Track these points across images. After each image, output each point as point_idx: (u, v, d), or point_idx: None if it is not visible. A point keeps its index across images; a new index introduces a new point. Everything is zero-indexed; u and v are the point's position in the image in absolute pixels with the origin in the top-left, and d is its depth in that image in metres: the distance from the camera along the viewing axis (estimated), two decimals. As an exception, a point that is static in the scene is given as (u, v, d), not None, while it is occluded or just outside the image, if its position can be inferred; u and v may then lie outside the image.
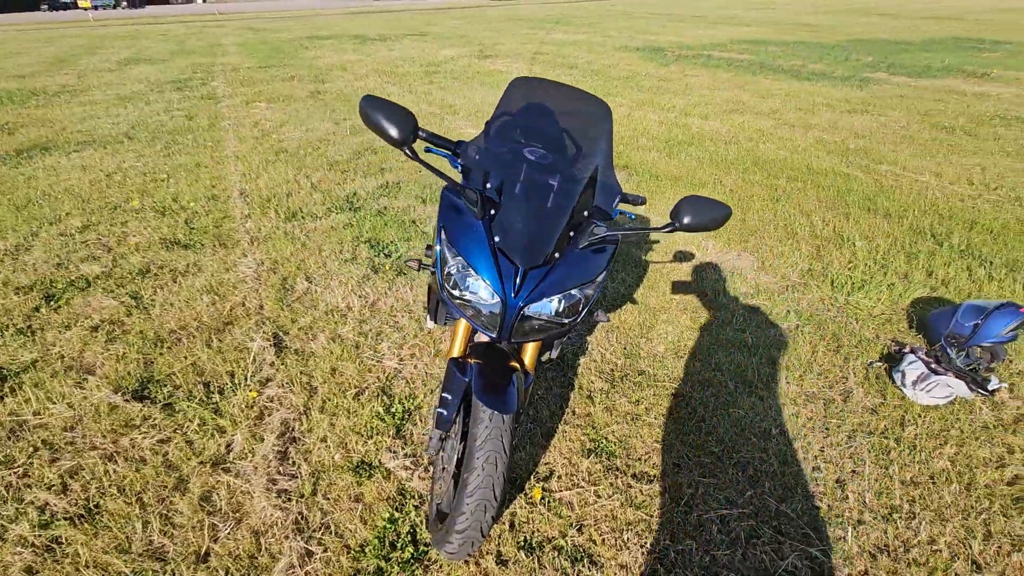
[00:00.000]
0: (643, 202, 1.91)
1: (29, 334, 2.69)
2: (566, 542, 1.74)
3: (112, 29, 19.78)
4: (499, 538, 1.74)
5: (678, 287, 3.17)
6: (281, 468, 2.00)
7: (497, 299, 1.42)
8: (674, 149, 5.51)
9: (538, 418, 2.22)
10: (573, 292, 1.45)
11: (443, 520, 1.65)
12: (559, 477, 1.97)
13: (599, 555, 1.71)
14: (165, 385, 2.38)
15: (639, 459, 2.04)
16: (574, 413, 2.26)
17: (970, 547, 1.74)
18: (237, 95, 8.03)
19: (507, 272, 1.41)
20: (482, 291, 1.43)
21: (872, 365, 2.51)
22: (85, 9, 35.19)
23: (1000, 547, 1.73)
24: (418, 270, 1.83)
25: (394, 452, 2.06)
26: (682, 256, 3.50)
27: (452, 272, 1.46)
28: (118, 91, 8.39)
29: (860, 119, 6.54)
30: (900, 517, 1.83)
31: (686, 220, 1.42)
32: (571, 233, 1.47)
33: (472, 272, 1.43)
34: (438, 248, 1.50)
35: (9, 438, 2.10)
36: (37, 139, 5.90)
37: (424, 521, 1.79)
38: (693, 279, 3.25)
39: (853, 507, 1.87)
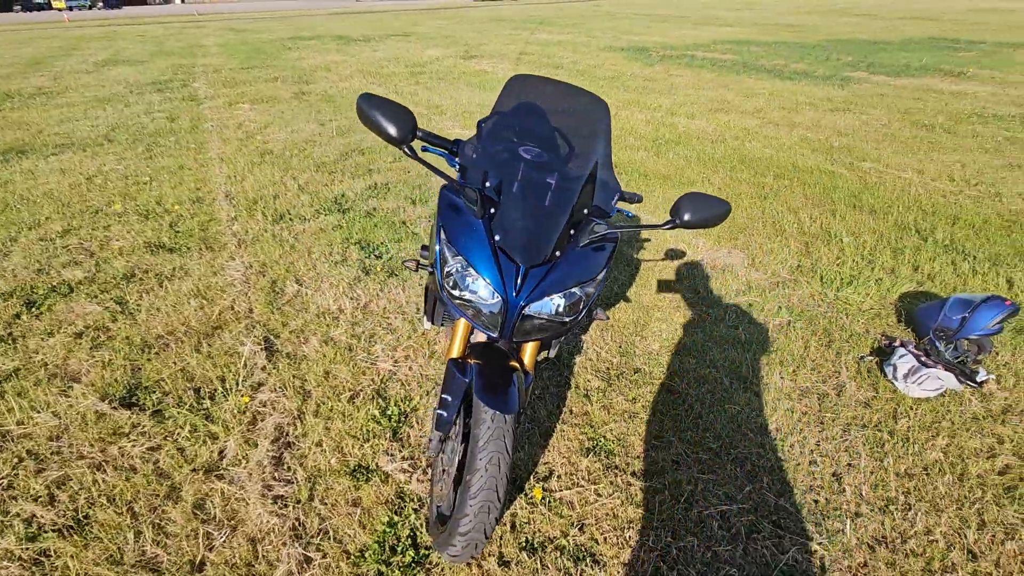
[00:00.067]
0: (639, 200, 1.91)
1: (10, 342, 2.62)
2: (568, 542, 1.73)
3: (88, 30, 19.39)
4: (500, 539, 1.73)
5: (670, 285, 3.18)
6: (276, 474, 1.96)
7: (498, 298, 1.41)
8: (662, 148, 5.54)
9: (536, 418, 2.21)
10: (574, 290, 1.44)
11: (444, 523, 1.63)
12: (559, 477, 1.96)
13: (601, 554, 1.70)
14: (154, 391, 2.32)
15: (638, 457, 2.04)
16: (571, 412, 2.25)
17: (965, 537, 1.76)
18: (220, 96, 7.92)
19: (508, 271, 1.40)
20: (483, 290, 1.42)
21: (863, 359, 2.54)
22: (60, 10, 34.47)
23: (994, 536, 1.76)
24: (416, 270, 1.81)
25: (391, 455, 2.03)
26: (674, 254, 3.52)
27: (452, 272, 1.44)
28: (96, 93, 8.22)
29: (842, 117, 6.64)
30: (896, 509, 1.85)
31: (686, 217, 1.42)
32: (571, 231, 1.46)
33: (472, 271, 1.41)
34: (437, 248, 1.48)
35: (-8, 449, 2.04)
36: (13, 142, 5.75)
37: (424, 524, 1.77)
38: (685, 276, 3.27)
39: (850, 500, 1.89)
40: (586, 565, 1.67)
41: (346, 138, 5.91)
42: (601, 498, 1.88)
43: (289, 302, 2.97)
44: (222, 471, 1.97)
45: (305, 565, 1.66)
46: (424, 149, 1.81)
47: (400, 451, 2.05)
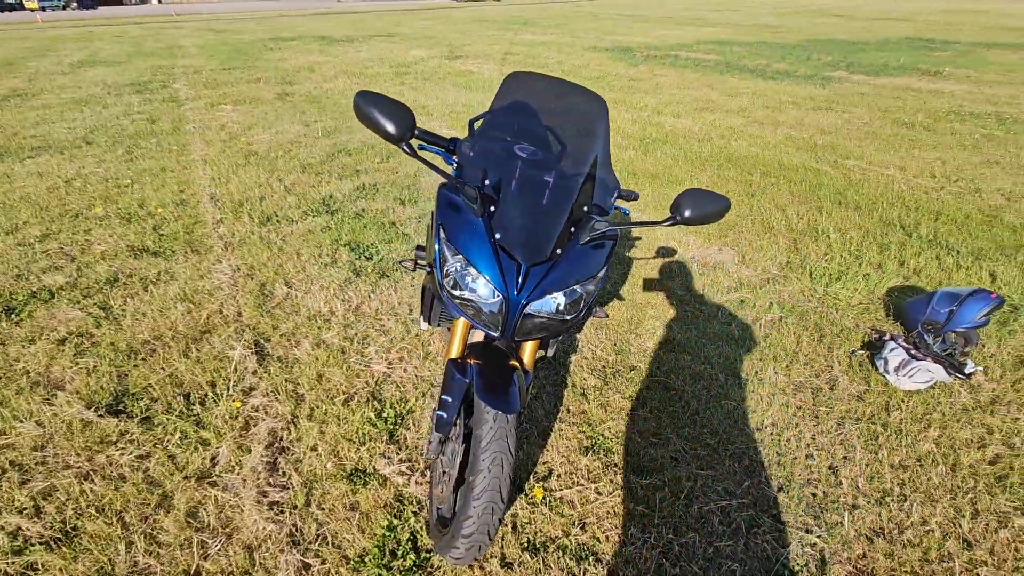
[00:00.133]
0: (636, 197, 1.91)
1: (-11, 349, 2.54)
2: (570, 541, 1.72)
3: (63, 31, 18.97)
4: (502, 540, 1.72)
5: (663, 282, 3.19)
6: (271, 479, 1.93)
7: (499, 297, 1.39)
8: (649, 147, 5.57)
9: (533, 417, 2.20)
10: (575, 288, 1.44)
11: (445, 525, 1.61)
12: (558, 476, 1.95)
13: (604, 552, 1.69)
14: (141, 398, 2.27)
15: (637, 454, 2.03)
16: (569, 411, 2.24)
17: (960, 526, 1.79)
18: (201, 98, 7.79)
19: (509, 269, 1.39)
20: (484, 289, 1.40)
21: (855, 353, 2.57)
22: (32, 10, 33.66)
23: (988, 525, 1.79)
24: (413, 270, 1.79)
25: (388, 458, 2.01)
26: (666, 252, 3.53)
27: (452, 271, 1.43)
28: (73, 94, 8.04)
29: (825, 116, 6.73)
30: (892, 500, 1.87)
31: (687, 213, 1.41)
32: (572, 229, 1.45)
33: (473, 270, 1.40)
34: (436, 247, 1.46)
35: (-27, 460, 1.97)
36: (-13, 145, 5.59)
37: (425, 527, 1.75)
38: (677, 274, 3.28)
39: (847, 492, 1.90)
40: (589, 564, 1.66)
41: (332, 139, 5.85)
42: (601, 496, 1.87)
43: (279, 305, 2.92)
44: (215, 478, 1.93)
45: (304, 572, 1.63)
46: (421, 148, 1.79)
47: (397, 454, 2.03)
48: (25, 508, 1.79)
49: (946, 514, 1.82)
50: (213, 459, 2.00)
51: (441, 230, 1.45)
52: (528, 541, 1.72)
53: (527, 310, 1.41)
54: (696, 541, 1.73)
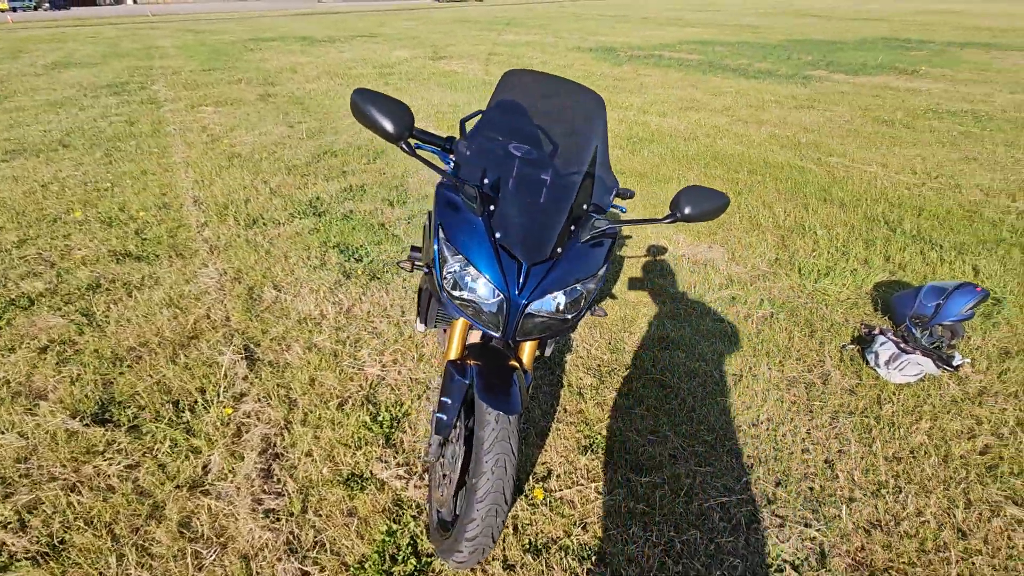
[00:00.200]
0: (632, 195, 1.90)
1: (-33, 359, 2.46)
2: (572, 541, 1.71)
3: (35, 32, 18.52)
4: (504, 542, 1.70)
5: (655, 280, 3.20)
6: (266, 487, 1.89)
7: (500, 296, 1.38)
8: (636, 146, 5.59)
9: (531, 418, 2.18)
10: (576, 287, 1.42)
11: (446, 529, 1.59)
12: (558, 476, 1.94)
13: (606, 551, 1.69)
14: (128, 406, 2.21)
15: (635, 452, 2.03)
16: (566, 411, 2.24)
17: (954, 516, 1.81)
18: (181, 99, 7.65)
19: (509, 269, 1.37)
20: (484, 289, 1.38)
21: (845, 348, 2.60)
22: (3, 11, 32.82)
23: (981, 514, 1.82)
24: (411, 271, 1.77)
25: (386, 462, 1.98)
26: (656, 250, 3.54)
27: (452, 271, 1.41)
28: (48, 96, 7.85)
29: (807, 114, 6.83)
30: (888, 492, 1.89)
31: (687, 210, 1.41)
32: (571, 227, 1.44)
33: (473, 270, 1.38)
34: (435, 247, 1.44)
35: (-47, 474, 1.91)
36: (-42, 149, 5.43)
37: (425, 531, 1.73)
38: (669, 272, 3.29)
39: (844, 485, 1.92)
40: (592, 564, 1.65)
41: (317, 140, 5.78)
42: (602, 496, 1.86)
43: (268, 309, 2.87)
44: (208, 486, 1.88)
45: (303, 580, 1.60)
46: (417, 147, 1.77)
47: (394, 457, 2.00)
48: (9, 522, 1.73)
49: (940, 505, 1.85)
50: (205, 467, 1.96)
51: (440, 230, 1.43)
52: (529, 542, 1.71)
53: (528, 310, 1.40)
54: (698, 538, 1.73)
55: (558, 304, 1.43)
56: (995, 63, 10.52)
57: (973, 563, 1.67)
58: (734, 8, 26.49)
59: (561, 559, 1.66)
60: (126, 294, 2.97)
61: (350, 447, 2.04)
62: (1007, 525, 1.78)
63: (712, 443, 2.08)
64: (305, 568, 1.63)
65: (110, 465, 1.94)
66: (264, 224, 3.82)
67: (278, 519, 1.77)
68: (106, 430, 2.08)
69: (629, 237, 3.75)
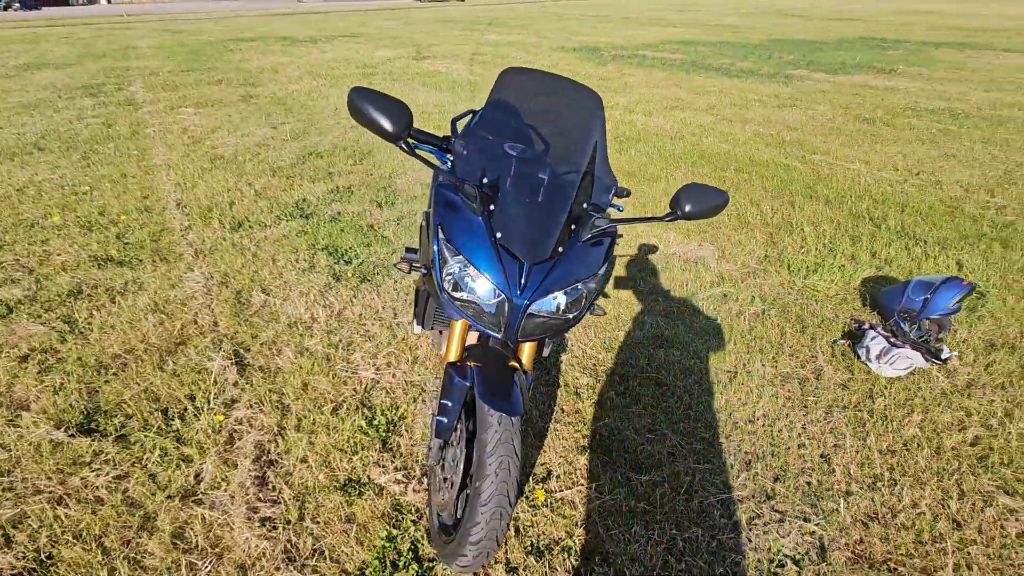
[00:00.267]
0: (628, 194, 1.90)
1: (-57, 370, 2.37)
2: (574, 541, 1.71)
3: (5, 32, 18.03)
4: (506, 545, 1.69)
5: (647, 279, 3.21)
6: (261, 494, 1.85)
7: (501, 297, 1.36)
8: (623, 145, 5.61)
9: (528, 419, 2.17)
10: (578, 286, 1.41)
11: (448, 533, 1.57)
12: (558, 477, 1.93)
13: (609, 551, 1.68)
14: (115, 415, 2.15)
15: (634, 451, 2.03)
16: (563, 411, 2.23)
17: (948, 507, 1.84)
18: (160, 100, 7.50)
19: (510, 269, 1.35)
20: (486, 290, 1.37)
21: (836, 343, 2.63)
22: (-30, 11, 31.86)
23: (974, 504, 1.85)
24: (408, 272, 1.74)
25: (383, 467, 1.95)
26: (647, 248, 3.55)
27: (452, 271, 1.39)
28: (20, 98, 7.63)
29: (790, 113, 6.91)
30: (883, 485, 1.91)
31: (687, 208, 1.41)
32: (572, 226, 1.43)
33: (474, 270, 1.36)
34: (435, 247, 1.42)
35: (-68, 490, 1.84)
36: (-72, 152, 5.26)
37: (426, 536, 1.71)
38: (661, 270, 3.31)
39: (840, 479, 1.94)
40: (595, 564, 1.64)
41: (301, 141, 5.71)
42: (602, 495, 1.86)
43: (257, 313, 2.82)
44: (200, 496, 1.84)
45: (302, 589, 1.57)
46: (415, 147, 1.74)
47: (392, 461, 1.97)
48: (-7, 538, 1.68)
49: (935, 496, 1.88)
50: (197, 476, 1.91)
51: (440, 230, 1.41)
52: (532, 544, 1.70)
53: (529, 310, 1.38)
54: (699, 535, 1.73)
55: (559, 304, 1.42)
56: (969, 62, 10.77)
57: (968, 553, 1.69)
58: (714, 8, 26.77)
59: (564, 560, 1.65)
60: (109, 300, 2.90)
61: (346, 452, 2.01)
62: (1000, 515, 1.81)
63: (710, 440, 2.09)
64: (304, 577, 1.60)
65: (98, 476, 1.89)
66: (250, 227, 3.76)
67: (275, 527, 1.74)
68: (92, 440, 2.03)
69: (620, 236, 3.75)
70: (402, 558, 1.64)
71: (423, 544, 1.69)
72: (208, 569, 1.61)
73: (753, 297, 3.00)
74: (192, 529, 1.72)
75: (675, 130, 6.18)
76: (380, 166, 4.98)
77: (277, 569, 1.61)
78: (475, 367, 1.50)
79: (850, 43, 13.67)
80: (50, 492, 1.83)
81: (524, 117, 1.59)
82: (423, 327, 1.85)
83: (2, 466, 1.92)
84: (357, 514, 1.78)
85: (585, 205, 1.47)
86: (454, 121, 2.33)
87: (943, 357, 2.46)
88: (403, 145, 1.28)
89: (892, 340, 2.47)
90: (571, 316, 1.45)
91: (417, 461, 1.98)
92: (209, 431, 2.08)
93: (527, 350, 1.60)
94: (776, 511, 1.82)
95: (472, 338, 1.74)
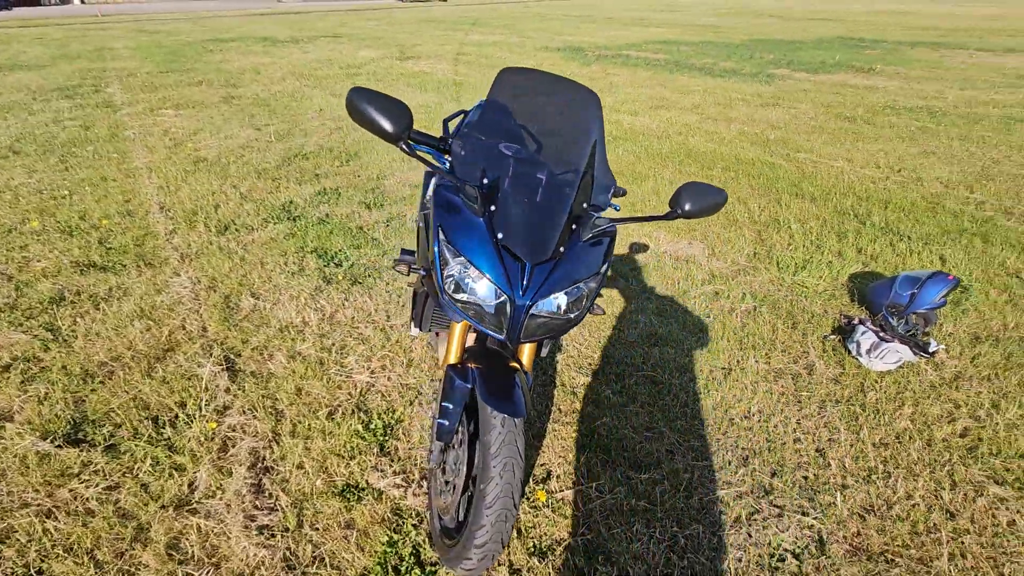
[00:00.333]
0: (624, 193, 1.90)
1: (-79, 381, 2.30)
2: (577, 541, 1.70)
3: (-26, 32, 17.53)
4: (508, 547, 1.68)
5: (639, 277, 3.22)
6: (257, 502, 1.82)
7: (503, 298, 1.35)
8: (611, 145, 5.63)
9: (527, 419, 2.16)
10: (580, 286, 1.41)
11: (450, 536, 1.56)
12: (558, 477, 1.92)
13: (612, 550, 1.68)
14: (103, 425, 2.10)
15: (633, 450, 2.03)
16: (560, 410, 2.22)
17: (941, 497, 1.87)
18: (139, 102, 7.35)
19: (512, 270, 1.35)
20: (487, 291, 1.36)
21: (827, 338, 2.66)
22: (-64, 10, 30.93)
23: (966, 495, 1.88)
24: (407, 274, 1.72)
25: (381, 471, 1.93)
26: (638, 247, 3.57)
27: (454, 273, 1.37)
28: (-7, 100, 7.43)
29: (773, 112, 7.00)
30: (878, 477, 1.94)
31: (687, 207, 1.42)
32: (573, 226, 1.43)
33: (476, 271, 1.35)
34: (435, 248, 1.40)
35: (-88, 506, 1.77)
36: None
37: (428, 540, 1.69)
38: (652, 269, 3.32)
39: (836, 473, 1.96)
40: (598, 563, 1.64)
41: (286, 143, 5.64)
42: (603, 495, 1.86)
43: (247, 317, 2.78)
44: (195, 505, 1.80)
45: (303, 598, 1.54)
46: (415, 147, 1.72)
47: (390, 465, 1.95)
48: (-21, 554, 1.62)
49: (928, 487, 1.91)
50: (191, 485, 1.87)
51: (440, 231, 1.40)
52: (534, 545, 1.69)
53: (532, 310, 1.38)
54: (700, 532, 1.74)
55: (561, 304, 1.41)
56: (944, 61, 11.01)
57: (963, 543, 1.72)
58: (693, 9, 27.04)
59: (568, 560, 1.65)
60: (93, 307, 2.83)
61: (343, 457, 1.98)
62: (991, 504, 1.85)
63: (707, 437, 2.10)
64: (305, 585, 1.57)
65: (87, 488, 1.84)
66: (237, 230, 3.70)
67: (273, 535, 1.71)
68: (81, 451, 1.97)
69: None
70: (404, 563, 1.63)
71: (425, 548, 1.67)
72: (205, 580, 1.58)
73: (744, 294, 3.03)
74: (187, 539, 1.69)
75: (661, 129, 6.22)
76: (367, 167, 4.94)
77: (277, 578, 1.58)
78: (476, 369, 1.50)
79: (828, 43, 13.90)
80: (38, 505, 1.78)
81: (523, 117, 1.58)
82: (421, 329, 1.83)
83: (-14, 479, 1.86)
84: (357, 519, 1.75)
85: (585, 205, 1.47)
86: (446, 121, 2.31)
87: (931, 350, 2.51)
88: (403, 146, 1.27)
89: (881, 335, 2.51)
90: (572, 316, 1.45)
91: (416, 464, 1.96)
92: (202, 439, 2.04)
93: (527, 351, 1.59)
94: (775, 506, 1.84)
95: (470, 339, 1.73)
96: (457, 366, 1.54)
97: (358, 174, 4.78)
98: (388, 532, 1.71)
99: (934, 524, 1.78)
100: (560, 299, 1.40)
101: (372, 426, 2.11)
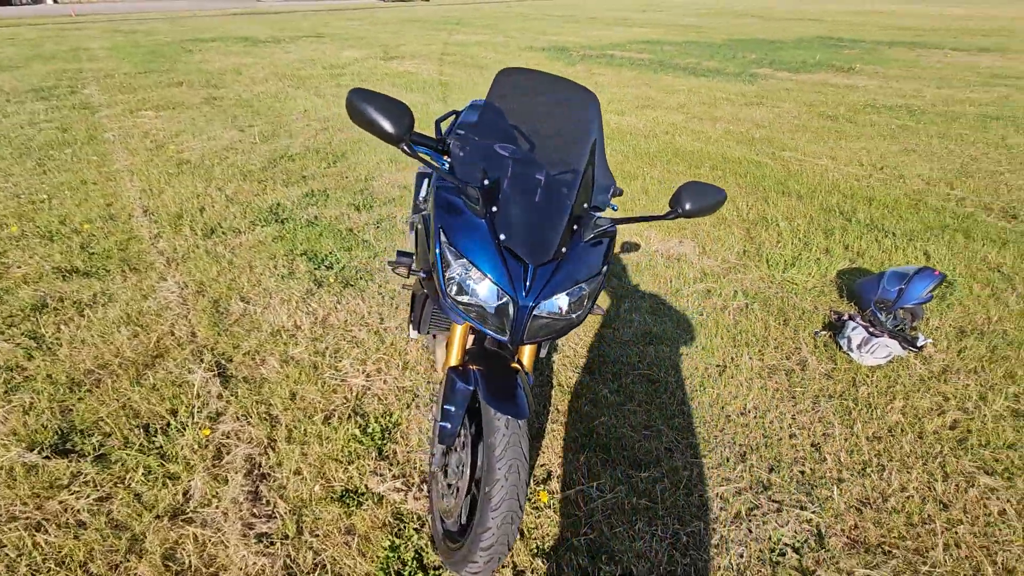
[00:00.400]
0: (620, 193, 1.91)
1: (-102, 393, 2.22)
2: (580, 541, 1.70)
3: (-58, 32, 17.04)
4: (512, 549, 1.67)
5: (632, 276, 3.24)
6: (255, 510, 1.79)
7: (506, 299, 1.35)
8: (598, 144, 5.65)
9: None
10: (582, 286, 1.41)
11: (453, 540, 1.55)
12: (559, 477, 1.92)
13: (615, 549, 1.68)
14: (92, 434, 2.05)
15: (632, 448, 2.04)
16: (558, 411, 2.22)
17: (934, 489, 1.91)
18: (117, 104, 7.20)
19: (515, 271, 1.34)
20: (490, 292, 1.35)
21: (818, 334, 2.70)
22: (-99, 10, 29.98)
23: (958, 485, 1.92)
24: (407, 276, 1.71)
25: (381, 475, 1.91)
26: (629, 247, 3.58)
27: (456, 275, 1.36)
28: (-35, 102, 7.23)
29: (758, 111, 7.08)
30: (873, 470, 1.97)
31: (687, 206, 1.42)
32: (574, 227, 1.42)
33: (479, 273, 1.34)
34: (437, 251, 1.39)
35: None
36: None
37: (430, 543, 1.68)
38: (645, 267, 3.34)
39: (832, 467, 1.99)
40: (602, 563, 1.64)
41: (271, 144, 5.56)
42: (604, 494, 1.86)
43: (237, 322, 2.73)
44: (190, 514, 1.77)
45: (305, 606, 1.52)
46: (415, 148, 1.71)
47: (389, 469, 1.94)
48: (-33, 571, 1.57)
49: (921, 479, 1.94)
50: (186, 494, 1.84)
51: (442, 233, 1.39)
52: (537, 547, 1.69)
53: (534, 312, 1.37)
54: (702, 529, 1.75)
55: (563, 305, 1.41)
56: (921, 60, 11.24)
57: (956, 532, 1.76)
58: (675, 8, 27.26)
59: (571, 560, 1.65)
60: (77, 313, 2.76)
61: (341, 462, 1.96)
62: (982, 494, 1.89)
63: (705, 434, 2.12)
64: (307, 593, 1.55)
65: (78, 499, 1.80)
66: (224, 233, 3.64)
67: (272, 543, 1.68)
68: (70, 461, 1.93)
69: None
70: (407, 568, 1.61)
71: (428, 553, 1.66)
72: (204, 590, 1.55)
73: (736, 292, 3.06)
74: (184, 549, 1.65)
75: (648, 129, 6.26)
76: (355, 168, 4.90)
77: (278, 586, 1.56)
78: (478, 371, 1.49)
79: (808, 42, 14.11)
80: (27, 518, 1.73)
81: (522, 118, 1.58)
82: (419, 331, 1.81)
83: (-29, 493, 1.81)
84: (357, 525, 1.74)
85: (586, 205, 1.47)
86: (438, 122, 2.30)
87: (919, 345, 2.55)
88: (405, 148, 1.26)
89: (871, 330, 2.55)
90: (574, 316, 1.45)
91: (415, 468, 1.95)
92: (195, 446, 2.01)
93: (527, 351, 1.59)
94: (773, 501, 1.86)
95: (468, 341, 1.72)
96: (458, 368, 1.53)
97: (346, 175, 4.73)
98: (390, 537, 1.70)
99: (928, 515, 1.81)
100: (562, 300, 1.40)
101: (369, 430, 2.09)
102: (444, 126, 2.44)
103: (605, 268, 1.49)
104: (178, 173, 4.72)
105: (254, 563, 1.62)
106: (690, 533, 1.74)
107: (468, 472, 1.51)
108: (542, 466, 1.97)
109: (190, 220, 3.79)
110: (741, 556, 1.68)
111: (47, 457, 1.94)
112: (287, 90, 8.11)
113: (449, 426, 1.46)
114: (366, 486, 1.87)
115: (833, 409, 2.25)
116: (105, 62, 10.57)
